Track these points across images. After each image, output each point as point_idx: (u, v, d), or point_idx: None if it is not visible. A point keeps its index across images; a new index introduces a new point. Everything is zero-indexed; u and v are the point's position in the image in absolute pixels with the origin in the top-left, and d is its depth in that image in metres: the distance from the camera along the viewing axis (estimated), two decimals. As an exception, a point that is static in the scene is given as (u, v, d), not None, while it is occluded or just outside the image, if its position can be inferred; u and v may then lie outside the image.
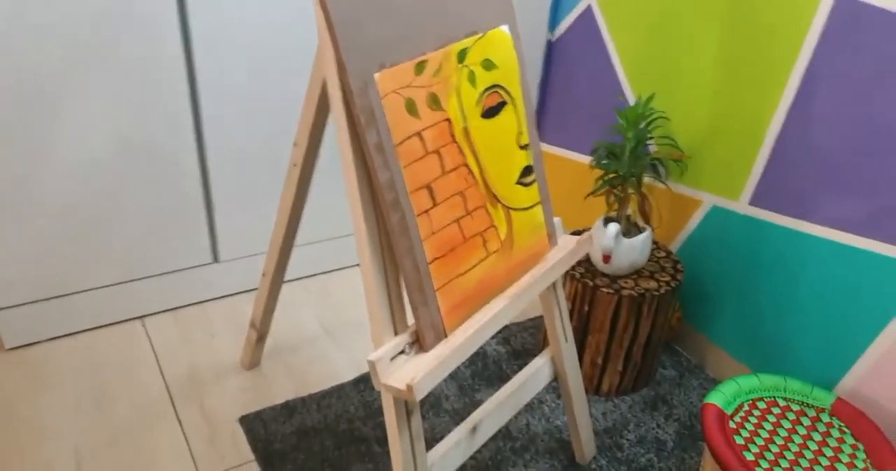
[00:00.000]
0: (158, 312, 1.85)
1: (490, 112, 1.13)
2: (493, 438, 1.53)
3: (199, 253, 1.83)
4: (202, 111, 1.63)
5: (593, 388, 1.65)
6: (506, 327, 1.84)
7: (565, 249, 1.26)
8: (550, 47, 2.02)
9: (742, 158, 1.55)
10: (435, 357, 1.01)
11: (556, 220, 1.28)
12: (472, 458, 1.48)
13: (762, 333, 1.60)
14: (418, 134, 1.02)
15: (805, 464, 1.21)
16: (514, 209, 1.18)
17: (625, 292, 1.52)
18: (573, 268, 1.61)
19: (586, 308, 1.57)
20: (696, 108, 1.63)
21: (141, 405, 1.57)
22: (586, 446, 1.46)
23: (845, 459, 1.23)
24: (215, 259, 1.87)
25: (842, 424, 1.29)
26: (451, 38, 1.06)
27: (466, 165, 1.10)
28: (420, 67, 1.02)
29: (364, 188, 0.99)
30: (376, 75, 0.96)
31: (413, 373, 0.97)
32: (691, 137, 1.66)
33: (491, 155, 1.13)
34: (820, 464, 1.22)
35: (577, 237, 1.29)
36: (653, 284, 1.55)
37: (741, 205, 1.58)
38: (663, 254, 1.66)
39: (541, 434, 1.54)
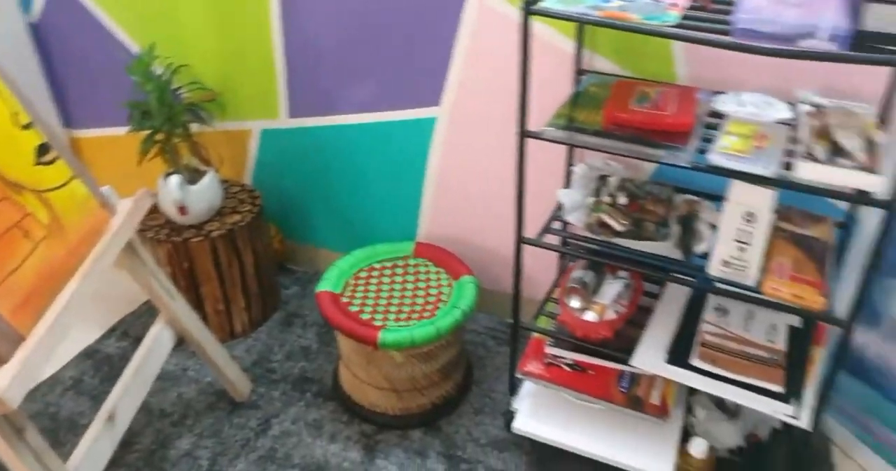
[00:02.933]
0: None
1: (-36, 100, 1.03)
2: (149, 421, 1.48)
3: None
4: None
5: (228, 333, 1.69)
6: (120, 321, 1.76)
7: (124, 213, 1.24)
8: (36, 30, 1.85)
9: (265, 78, 1.65)
10: (19, 362, 0.94)
11: (106, 188, 1.24)
12: (133, 451, 1.42)
13: (349, 220, 1.79)
14: None
15: (409, 301, 1.44)
16: (47, 191, 1.11)
17: (214, 234, 1.55)
18: (157, 232, 1.58)
19: (186, 264, 1.57)
20: (207, 46, 1.67)
21: None
22: (239, 384, 1.51)
23: (434, 284, 1.48)
24: None
25: (424, 260, 1.55)
26: None
27: (-37, 162, 1.00)
28: None
29: None
30: None
31: (-4, 386, 0.89)
32: (216, 74, 1.71)
33: (-12, 144, 1.04)
34: (419, 295, 1.45)
35: (132, 198, 1.27)
36: (237, 218, 1.61)
37: (283, 120, 1.70)
38: (237, 188, 1.72)
39: (195, 397, 1.54)
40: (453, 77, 1.46)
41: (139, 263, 1.29)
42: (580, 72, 1.29)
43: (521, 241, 1.20)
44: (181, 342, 1.41)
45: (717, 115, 1.10)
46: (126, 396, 1.22)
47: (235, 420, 1.49)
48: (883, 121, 1.09)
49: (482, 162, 1.53)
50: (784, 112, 1.10)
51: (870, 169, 0.93)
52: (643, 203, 1.22)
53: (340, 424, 1.48)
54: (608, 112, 1.07)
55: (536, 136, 1.08)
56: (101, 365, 1.63)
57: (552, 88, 1.28)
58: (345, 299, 1.43)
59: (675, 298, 1.31)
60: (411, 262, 1.54)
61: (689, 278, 1.14)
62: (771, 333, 1.21)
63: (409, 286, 1.47)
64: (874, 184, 0.92)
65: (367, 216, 1.76)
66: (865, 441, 1.36)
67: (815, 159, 0.95)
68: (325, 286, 1.44)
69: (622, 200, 1.22)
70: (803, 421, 1.10)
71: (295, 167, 1.77)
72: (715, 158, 0.99)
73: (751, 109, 1.11)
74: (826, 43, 0.87)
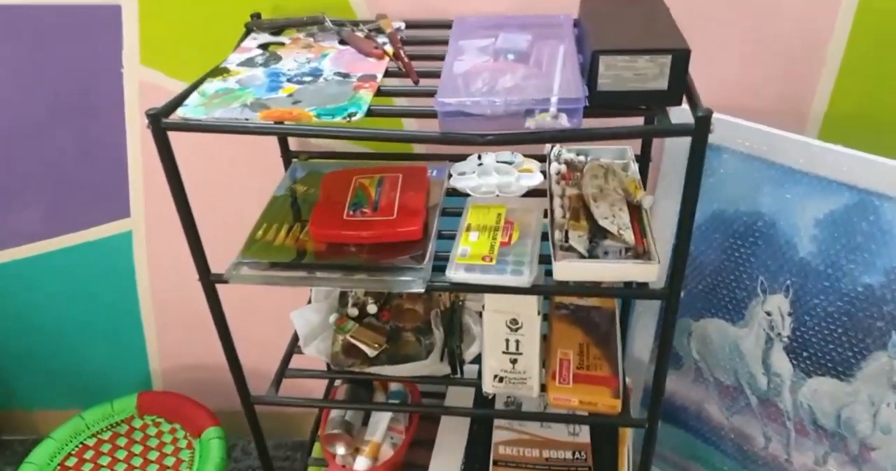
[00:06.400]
0: None
1: None
2: None
3: None
4: None
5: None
6: None
7: None
8: None
9: None
10: None
11: None
12: None
13: (56, 371, 1.40)
14: None
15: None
16: None
17: None
18: None
19: None
20: None
21: None
22: None
23: (170, 449, 1.15)
24: None
25: (153, 418, 1.21)
26: None
27: None
28: None
29: None
30: None
31: None
32: None
33: None
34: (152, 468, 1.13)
35: None
36: None
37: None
38: None
39: None
40: (135, 178, 1.13)
41: None
42: (289, 154, 1.01)
43: (249, 402, 0.91)
44: None
45: (458, 192, 0.89)
46: None
47: None
48: (641, 158, 0.94)
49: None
50: (534, 177, 0.89)
51: (641, 254, 0.75)
52: (398, 304, 0.99)
53: None
54: (317, 231, 0.81)
55: (222, 280, 0.79)
56: None
57: (259, 179, 0.99)
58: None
59: (460, 395, 1.10)
60: (136, 425, 1.19)
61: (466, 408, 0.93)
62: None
63: (137, 462, 1.13)
64: (649, 273, 0.75)
65: (78, 361, 1.37)
66: (690, 485, 1.25)
67: (575, 253, 0.76)
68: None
69: (371, 308, 0.98)
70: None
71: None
72: (455, 275, 0.76)
73: (494, 180, 0.89)
74: (560, 119, 0.66)
